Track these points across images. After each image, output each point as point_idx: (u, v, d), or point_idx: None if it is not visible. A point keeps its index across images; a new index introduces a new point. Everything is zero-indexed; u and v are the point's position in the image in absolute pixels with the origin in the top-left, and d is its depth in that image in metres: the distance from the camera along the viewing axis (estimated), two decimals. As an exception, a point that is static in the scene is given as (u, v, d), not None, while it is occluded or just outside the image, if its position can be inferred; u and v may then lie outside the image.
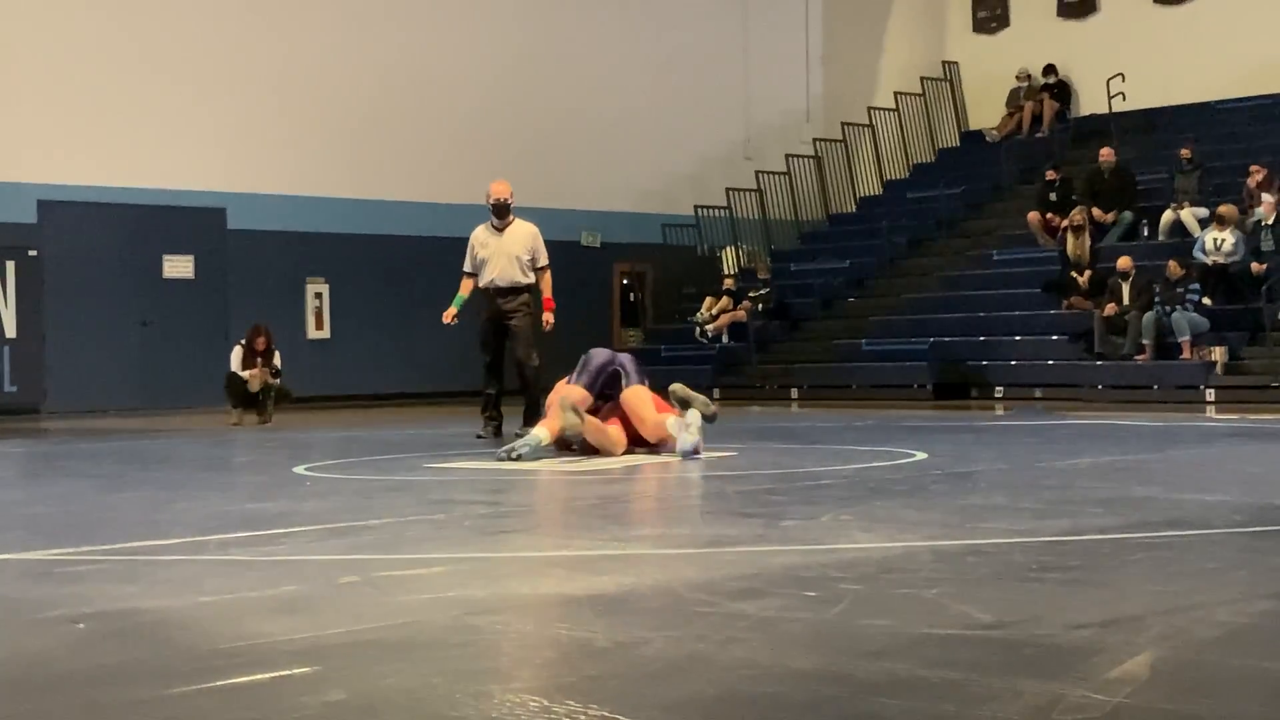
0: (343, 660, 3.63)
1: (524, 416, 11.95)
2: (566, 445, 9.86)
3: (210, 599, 4.54)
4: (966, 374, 19.31)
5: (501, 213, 12.25)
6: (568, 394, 9.80)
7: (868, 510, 6.63)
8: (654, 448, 9.91)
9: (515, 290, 12.15)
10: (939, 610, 4.12)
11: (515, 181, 22.56)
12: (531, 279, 12.23)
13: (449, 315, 12.39)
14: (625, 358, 10.41)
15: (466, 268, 12.42)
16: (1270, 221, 18.12)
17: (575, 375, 10.12)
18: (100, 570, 5.18)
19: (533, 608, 4.26)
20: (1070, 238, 19.65)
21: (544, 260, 12.27)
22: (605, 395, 10.04)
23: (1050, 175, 21.18)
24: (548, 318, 12.23)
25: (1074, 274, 19.22)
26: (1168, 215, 19.77)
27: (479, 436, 12.02)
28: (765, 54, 25.58)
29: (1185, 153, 19.92)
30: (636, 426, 9.92)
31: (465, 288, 12.41)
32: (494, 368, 12.41)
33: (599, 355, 10.27)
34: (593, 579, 4.79)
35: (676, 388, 9.95)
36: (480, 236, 12.36)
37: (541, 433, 9.62)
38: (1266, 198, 18.30)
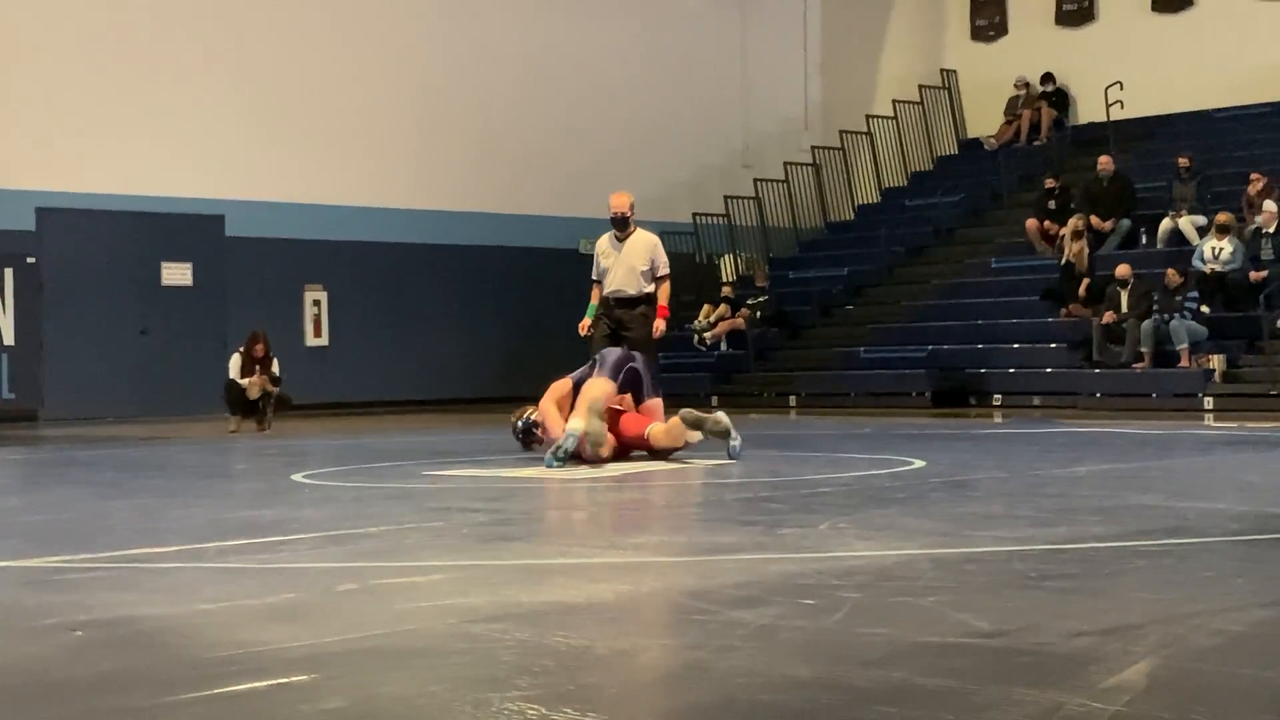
0: (341, 668, 3.62)
1: None
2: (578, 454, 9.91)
3: (208, 606, 4.54)
4: (965, 382, 19.31)
5: (620, 225, 12.28)
6: (595, 393, 9.86)
7: (866, 518, 6.63)
8: (653, 454, 9.95)
9: (633, 301, 12.19)
10: (937, 618, 4.12)
11: (515, 189, 22.77)
12: (652, 289, 12.26)
13: (585, 326, 12.30)
14: (639, 360, 10.59)
15: (595, 276, 12.48)
16: (1271, 230, 18.12)
17: (596, 369, 10.22)
18: (98, 578, 5.17)
19: (531, 615, 4.26)
20: (1069, 246, 19.66)
21: (664, 270, 12.32)
22: (624, 392, 10.18)
23: (1050, 183, 21.18)
24: (659, 324, 12.25)
25: (1073, 282, 19.21)
26: (1166, 223, 19.78)
27: None
28: (764, 62, 25.61)
29: (1184, 161, 19.92)
30: (650, 431, 10.07)
31: (595, 296, 12.45)
32: None
33: (613, 353, 10.44)
34: (591, 587, 4.79)
35: (686, 413, 9.99)
36: (603, 246, 12.43)
37: (577, 424, 9.64)
38: (1269, 205, 18.29)
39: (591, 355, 11.54)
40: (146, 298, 19.79)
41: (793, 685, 3.38)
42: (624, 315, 12.15)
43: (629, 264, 12.19)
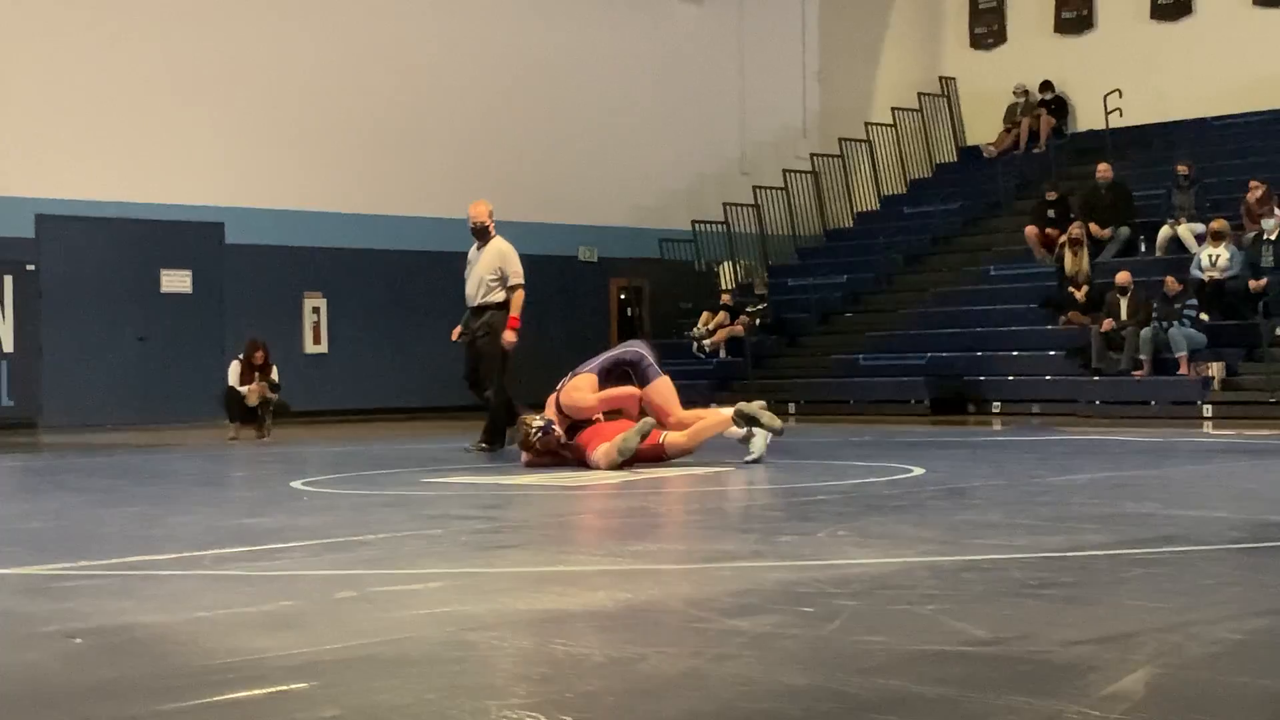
0: (338, 676, 3.62)
1: (483, 434, 12.06)
2: (553, 453, 9.93)
3: (206, 614, 4.53)
4: (963, 389, 19.32)
5: (479, 234, 12.36)
6: (579, 392, 9.92)
7: (864, 526, 6.62)
8: (655, 461, 9.93)
9: (481, 310, 12.24)
10: (935, 626, 4.12)
11: (514, 196, 22.77)
12: (500, 298, 12.23)
13: (456, 334, 12.57)
14: (633, 352, 10.37)
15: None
16: (1274, 237, 18.12)
17: (584, 365, 10.22)
18: (95, 585, 5.17)
19: (528, 623, 4.26)
20: (1068, 253, 19.67)
21: (516, 280, 12.26)
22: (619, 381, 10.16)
23: (1050, 195, 21.17)
24: (508, 335, 12.18)
25: (1072, 289, 19.23)
26: (1165, 231, 19.80)
27: (465, 450, 12.10)
28: (763, 69, 25.64)
29: (1183, 169, 19.93)
30: (661, 419, 9.94)
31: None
32: (472, 387, 12.57)
33: (610, 352, 10.45)
34: (588, 594, 4.79)
35: (743, 406, 9.95)
36: (468, 256, 12.60)
37: (634, 440, 9.59)
38: (1278, 212, 18.29)
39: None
40: (145, 305, 19.80)
41: (790, 694, 3.38)
42: (472, 323, 12.22)
43: (479, 273, 12.25)
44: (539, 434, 9.99)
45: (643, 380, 10.19)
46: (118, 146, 19.42)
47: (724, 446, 10.38)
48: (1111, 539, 5.95)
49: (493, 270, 12.23)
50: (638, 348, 10.53)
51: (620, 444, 9.57)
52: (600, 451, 9.71)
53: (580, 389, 10.04)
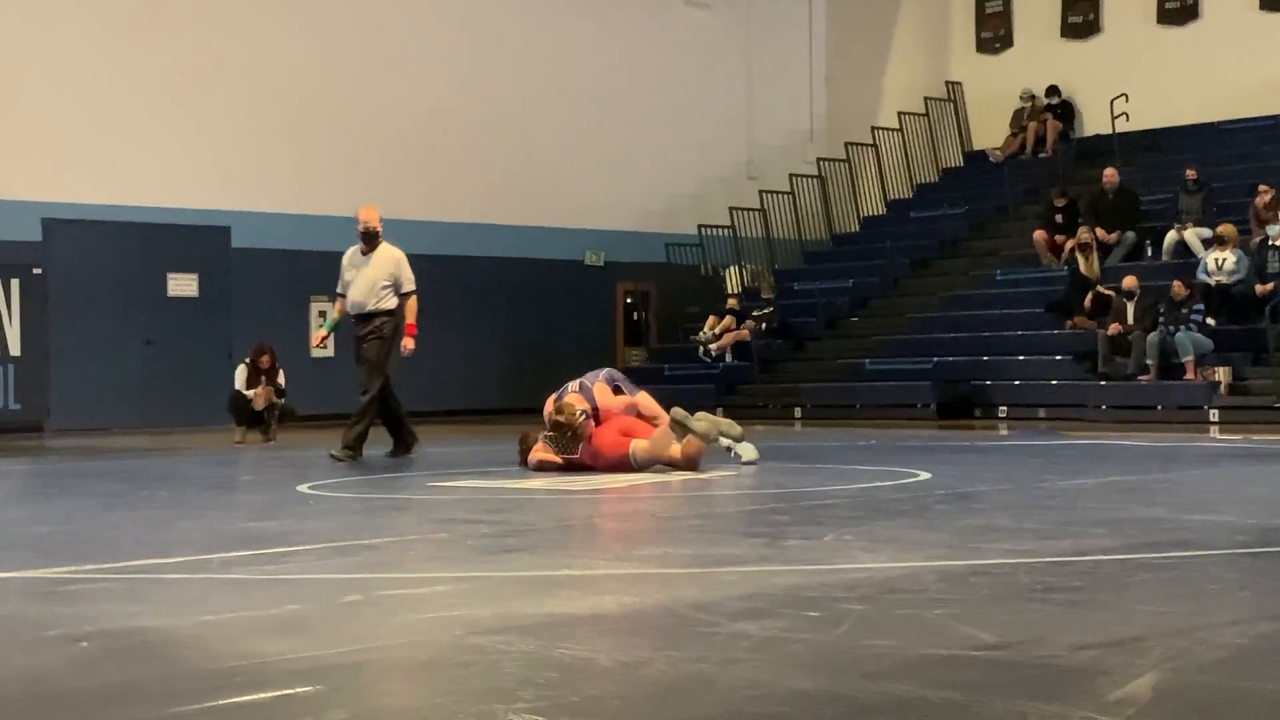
0: (345, 680, 3.62)
1: (344, 439, 11.95)
2: (570, 466, 9.97)
3: (213, 618, 4.53)
4: (970, 394, 19.30)
5: (369, 239, 12.20)
6: (605, 396, 10.25)
7: (871, 530, 6.62)
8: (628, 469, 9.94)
9: (370, 316, 12.14)
10: (942, 631, 4.11)
11: (521, 200, 22.80)
12: (392, 305, 12.16)
13: (318, 338, 12.44)
14: (614, 371, 10.88)
15: (338, 290, 12.44)
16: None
17: (584, 379, 10.33)
18: (103, 589, 5.17)
19: (535, 627, 4.26)
20: (1080, 257, 19.67)
21: (409, 286, 12.21)
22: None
23: (1058, 200, 21.15)
24: (407, 342, 12.13)
25: (1090, 293, 19.13)
26: (1171, 235, 19.78)
27: (331, 455, 11.89)
28: (769, 74, 25.65)
29: (1191, 173, 19.92)
30: (647, 426, 10.18)
31: (336, 310, 12.50)
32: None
33: (596, 371, 10.61)
34: (595, 598, 4.79)
35: (676, 413, 10.00)
36: (348, 259, 12.36)
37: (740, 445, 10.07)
38: None
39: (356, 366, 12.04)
40: (152, 309, 19.82)
41: (797, 698, 3.38)
42: (361, 329, 12.09)
43: (371, 278, 12.11)
44: (583, 416, 10.10)
45: (631, 392, 10.54)
46: (125, 151, 19.44)
47: (719, 453, 10.38)
48: (1119, 543, 5.94)
49: (387, 276, 12.15)
50: (611, 370, 11.05)
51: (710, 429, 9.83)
52: (643, 447, 9.91)
53: (606, 393, 10.34)
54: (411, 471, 10.84)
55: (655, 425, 10.19)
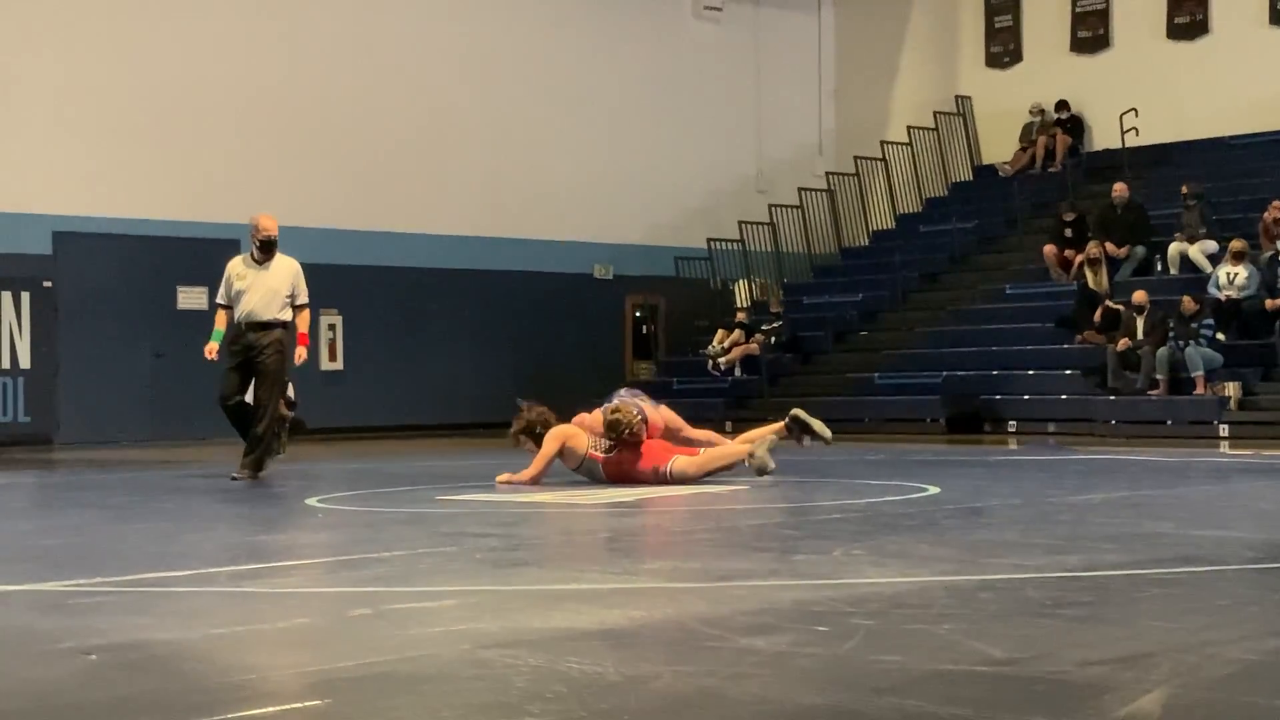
0: (353, 693, 3.62)
1: (246, 455, 11.70)
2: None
3: (221, 631, 4.54)
4: (979, 408, 19.28)
5: (267, 248, 11.90)
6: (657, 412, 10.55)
7: (879, 545, 6.61)
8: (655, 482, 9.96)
9: (268, 326, 11.81)
10: (951, 646, 4.11)
11: (530, 213, 22.80)
12: (289, 316, 11.94)
13: (211, 351, 11.87)
14: (637, 389, 11.21)
15: (220, 300, 12.07)
16: (1289, 258, 18.06)
17: (626, 395, 10.64)
18: (111, 602, 5.18)
19: (544, 641, 4.26)
20: (1089, 272, 19.65)
21: (304, 298, 12.02)
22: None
23: (1067, 215, 21.13)
24: (300, 352, 11.95)
25: (1100, 308, 19.10)
26: (1174, 248, 19.76)
27: (233, 478, 11.60)
28: (778, 87, 25.66)
29: (1185, 188, 19.90)
30: (675, 436, 10.51)
31: (221, 321, 12.01)
32: (239, 408, 11.90)
33: (626, 388, 10.88)
34: (604, 613, 4.79)
35: (797, 413, 11.07)
36: (238, 269, 11.99)
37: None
38: None
39: (224, 381, 11.70)
40: (162, 322, 19.83)
41: (806, 713, 3.37)
42: (257, 339, 11.70)
43: (270, 287, 11.80)
44: (640, 417, 10.18)
45: (654, 407, 10.67)
46: (134, 164, 19.48)
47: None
48: (1128, 559, 5.94)
49: (287, 286, 11.92)
50: (629, 389, 11.37)
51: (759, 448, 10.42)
52: (684, 462, 10.15)
53: (649, 408, 10.55)
54: (420, 485, 10.84)
55: (679, 434, 10.59)
